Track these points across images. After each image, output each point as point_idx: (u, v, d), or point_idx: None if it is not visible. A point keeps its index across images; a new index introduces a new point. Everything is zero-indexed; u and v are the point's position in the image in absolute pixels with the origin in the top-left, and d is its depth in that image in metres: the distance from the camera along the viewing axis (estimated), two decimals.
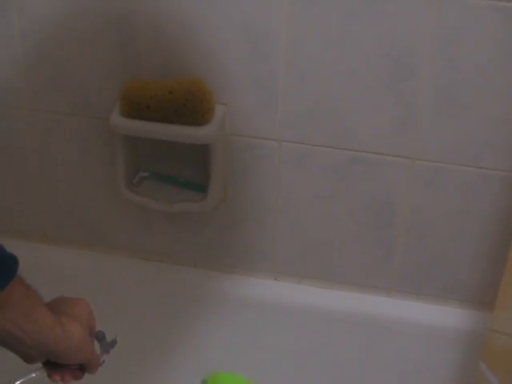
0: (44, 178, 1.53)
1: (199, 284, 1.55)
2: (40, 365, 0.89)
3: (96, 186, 1.52)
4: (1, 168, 1.53)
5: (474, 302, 1.46)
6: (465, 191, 1.35)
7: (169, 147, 1.41)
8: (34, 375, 0.89)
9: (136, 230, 1.56)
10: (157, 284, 1.58)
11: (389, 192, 1.38)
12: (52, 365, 0.88)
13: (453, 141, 1.31)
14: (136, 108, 1.32)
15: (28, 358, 0.85)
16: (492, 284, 1.40)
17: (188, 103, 1.30)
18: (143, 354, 1.58)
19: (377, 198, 1.40)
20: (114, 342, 0.96)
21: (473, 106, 1.27)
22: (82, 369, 0.91)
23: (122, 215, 1.54)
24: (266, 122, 1.36)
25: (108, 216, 1.55)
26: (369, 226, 1.43)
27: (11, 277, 0.76)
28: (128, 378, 1.58)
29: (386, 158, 1.35)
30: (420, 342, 1.47)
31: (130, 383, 1.59)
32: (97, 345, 0.94)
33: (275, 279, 1.54)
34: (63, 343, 0.84)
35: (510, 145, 1.29)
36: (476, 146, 1.31)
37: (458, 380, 1.45)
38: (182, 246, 1.55)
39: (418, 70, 1.25)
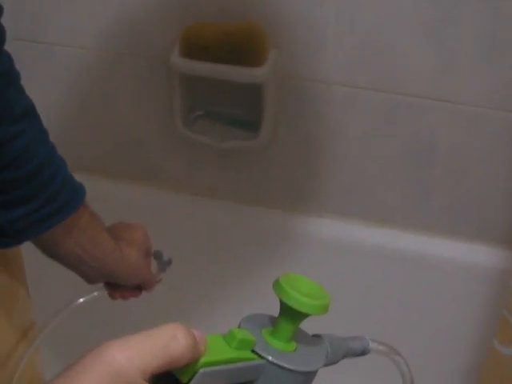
0: (106, 114, 1.63)
1: (246, 220, 1.64)
2: (101, 285, 0.95)
3: (153, 124, 1.61)
4: (67, 104, 1.63)
5: (506, 242, 1.54)
6: (499, 135, 1.43)
7: (224, 87, 1.49)
8: (95, 294, 0.96)
9: (188, 166, 1.65)
10: (205, 219, 1.66)
11: (431, 134, 1.46)
12: (112, 285, 0.95)
13: (491, 86, 1.38)
14: (195, 48, 1.41)
15: (89, 279, 0.91)
16: None
17: (244, 44, 1.39)
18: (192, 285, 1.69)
19: (420, 139, 1.48)
20: (169, 261, 1.01)
21: None
22: (140, 287, 0.97)
23: (176, 152, 1.62)
24: (316, 66, 1.44)
25: (163, 152, 1.64)
26: (411, 165, 1.51)
27: (80, 202, 0.81)
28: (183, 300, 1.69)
29: (429, 102, 1.43)
30: (455, 279, 1.55)
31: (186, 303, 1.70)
32: (154, 263, 0.99)
33: (319, 216, 1.63)
34: (121, 266, 0.90)
35: None
36: None
37: (489, 313, 1.54)
38: (230, 183, 1.64)
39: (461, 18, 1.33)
